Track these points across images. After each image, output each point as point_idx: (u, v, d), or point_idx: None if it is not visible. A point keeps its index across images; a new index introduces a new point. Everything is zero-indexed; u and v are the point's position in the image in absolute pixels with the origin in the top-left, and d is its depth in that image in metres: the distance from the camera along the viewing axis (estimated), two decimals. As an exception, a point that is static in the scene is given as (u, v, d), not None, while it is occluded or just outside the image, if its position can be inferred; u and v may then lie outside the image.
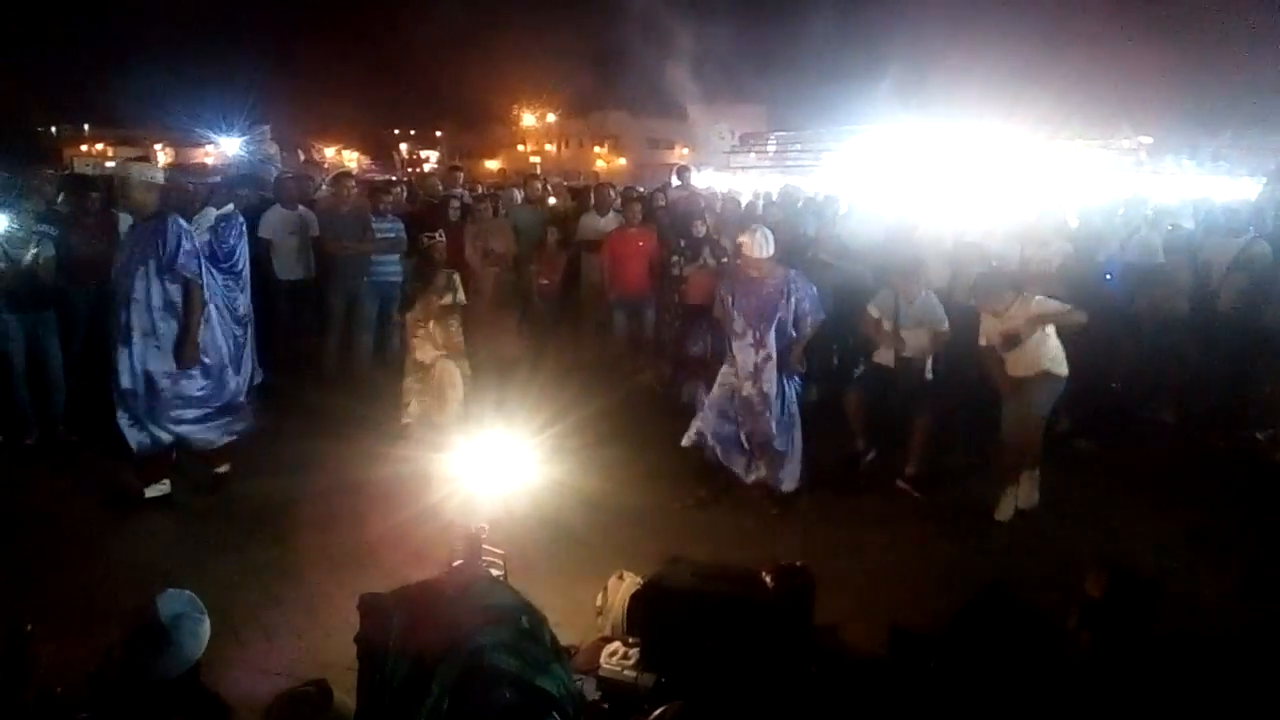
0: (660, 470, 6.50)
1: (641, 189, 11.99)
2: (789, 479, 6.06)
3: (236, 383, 6.11)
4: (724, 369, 6.19)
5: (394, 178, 22.79)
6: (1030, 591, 3.66)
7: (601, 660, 3.95)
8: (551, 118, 58.20)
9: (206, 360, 5.85)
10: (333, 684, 3.10)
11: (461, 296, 7.00)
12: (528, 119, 58.67)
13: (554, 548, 5.13)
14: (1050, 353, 5.94)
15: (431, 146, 61.05)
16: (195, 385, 5.83)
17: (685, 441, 6.24)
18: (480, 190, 11.72)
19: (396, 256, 8.58)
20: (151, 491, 5.83)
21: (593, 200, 9.88)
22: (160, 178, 5.84)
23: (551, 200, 11.41)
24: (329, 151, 50.30)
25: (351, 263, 8.48)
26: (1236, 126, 18.90)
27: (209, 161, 23.43)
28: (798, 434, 6.09)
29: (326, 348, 8.68)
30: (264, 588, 4.76)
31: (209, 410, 5.93)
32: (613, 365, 9.07)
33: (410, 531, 4.96)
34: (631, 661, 3.93)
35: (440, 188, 10.62)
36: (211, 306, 5.97)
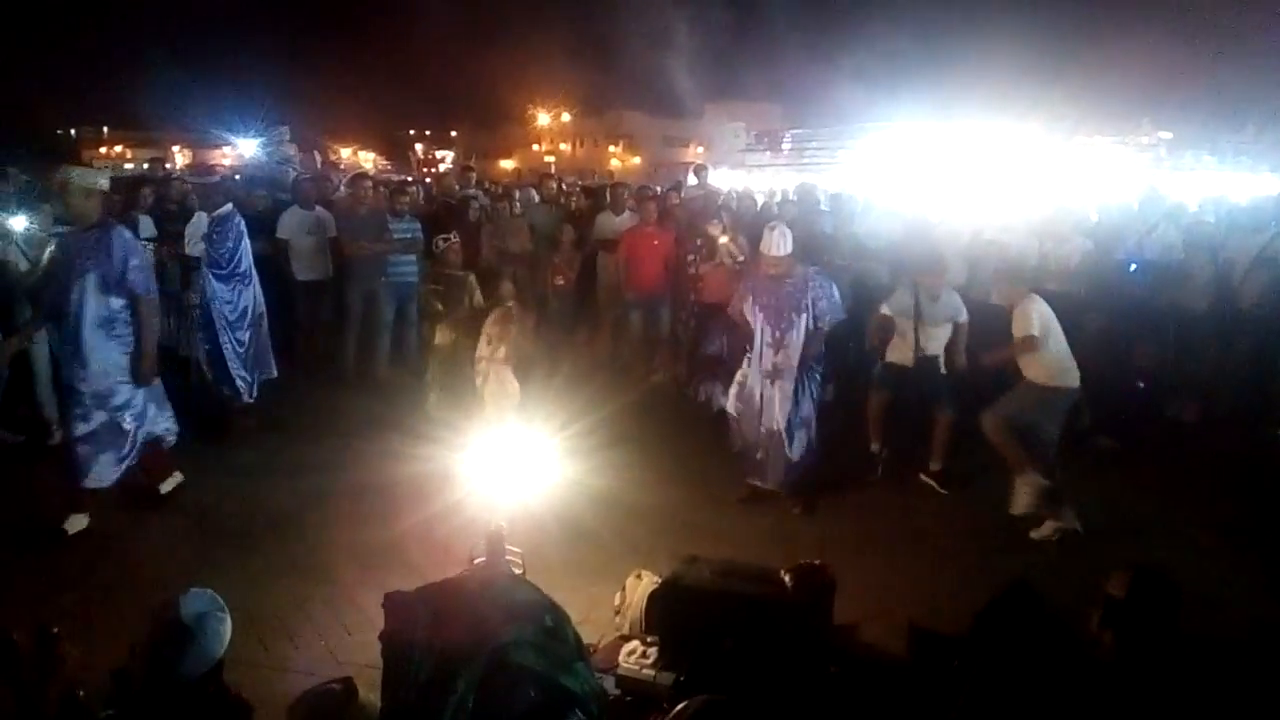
0: (677, 469, 6.50)
1: (659, 188, 12.00)
2: (800, 478, 6.04)
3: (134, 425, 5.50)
4: (742, 369, 6.18)
5: (409, 178, 22.91)
6: (1050, 591, 3.64)
7: (620, 659, 3.95)
8: (566, 117, 58.25)
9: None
10: (356, 682, 3.13)
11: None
12: (542, 118, 58.74)
13: (572, 547, 5.14)
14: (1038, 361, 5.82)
15: (447, 146, 61.24)
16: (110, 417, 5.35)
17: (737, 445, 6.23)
18: (499, 189, 11.74)
19: (413, 256, 8.62)
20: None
21: (608, 199, 9.89)
22: (104, 183, 5.43)
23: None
24: (345, 152, 50.52)
25: (369, 263, 8.52)
26: (1258, 121, 18.72)
27: (226, 163, 23.62)
28: (812, 435, 6.04)
29: (344, 347, 8.72)
30: (286, 587, 4.78)
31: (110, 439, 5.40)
32: (629, 365, 9.08)
33: (430, 530, 4.99)
34: (650, 660, 3.93)
35: (457, 187, 10.65)
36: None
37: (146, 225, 7.97)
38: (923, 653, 3.87)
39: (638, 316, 8.91)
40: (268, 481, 6.19)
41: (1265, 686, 3.20)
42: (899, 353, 6.60)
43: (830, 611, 4.05)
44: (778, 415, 5.96)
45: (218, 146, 34.00)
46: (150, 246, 7.72)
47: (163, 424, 5.71)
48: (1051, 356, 5.81)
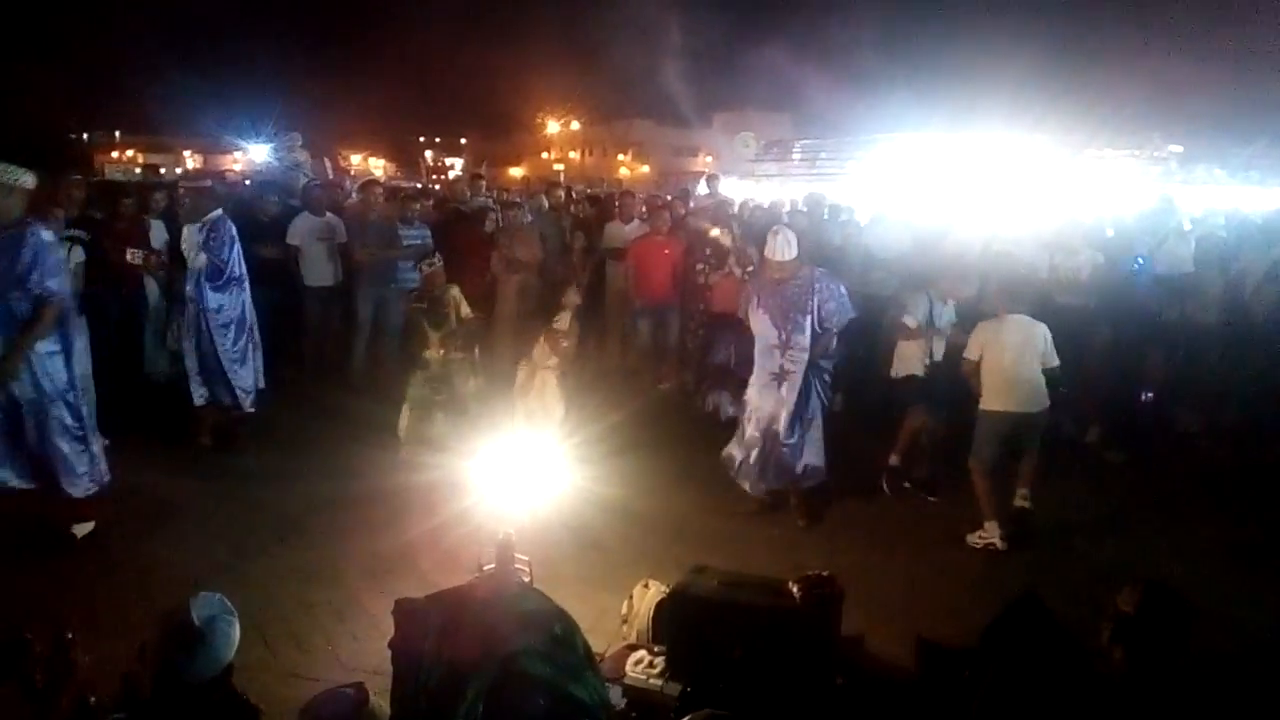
0: (685, 478, 6.50)
1: (669, 196, 12.02)
2: (807, 487, 6.01)
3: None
4: (752, 377, 6.16)
5: (420, 185, 22.97)
6: (1058, 605, 3.63)
7: (627, 668, 3.95)
8: (575, 125, 58.38)
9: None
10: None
11: (466, 310, 7.03)
12: (552, 126, 58.90)
13: (579, 555, 5.14)
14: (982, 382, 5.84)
15: (456, 154, 61.44)
16: None
17: (723, 457, 6.21)
18: (509, 197, 11.78)
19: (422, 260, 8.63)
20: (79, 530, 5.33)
21: (616, 208, 9.91)
22: (29, 182, 5.09)
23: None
24: (355, 159, 50.72)
25: (378, 269, 8.55)
26: (1270, 135, 18.65)
27: (237, 167, 23.71)
28: (819, 440, 5.99)
29: (354, 353, 8.74)
30: (293, 593, 4.78)
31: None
32: (637, 373, 9.08)
33: (439, 538, 4.99)
34: (657, 670, 3.93)
35: (469, 194, 10.68)
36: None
37: (159, 230, 7.98)
38: (931, 665, 3.86)
39: (646, 325, 8.91)
40: (275, 487, 6.20)
41: (1275, 703, 3.18)
42: (912, 364, 6.56)
43: (838, 622, 4.04)
44: (782, 416, 5.93)
45: (229, 152, 34.17)
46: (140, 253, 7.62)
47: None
48: (988, 378, 5.77)
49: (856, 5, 50.65)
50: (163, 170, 15.57)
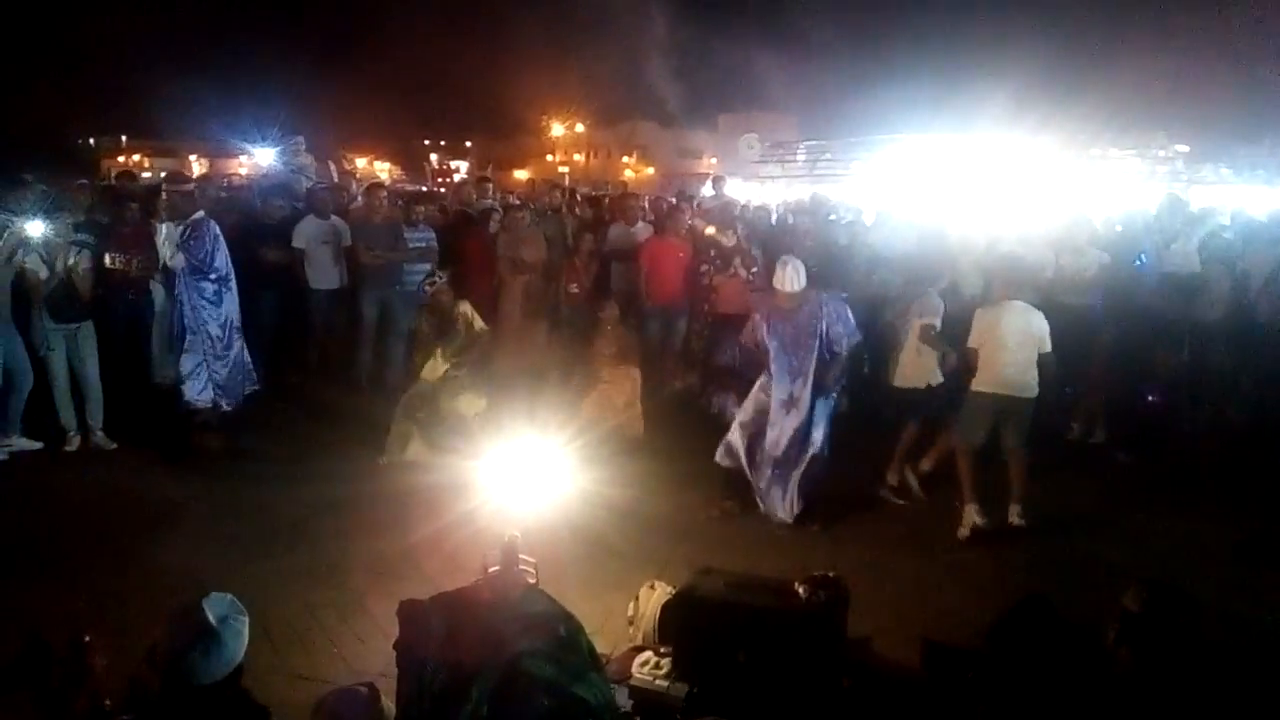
0: (691, 480, 6.49)
1: (674, 199, 12.03)
2: (801, 503, 5.96)
3: None
4: (756, 390, 6.14)
5: (424, 188, 22.99)
6: (1064, 605, 3.62)
7: (633, 670, 3.95)
8: (580, 128, 58.37)
9: None
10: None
11: (479, 325, 7.06)
12: (557, 129, 58.89)
13: (585, 557, 5.13)
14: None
15: (461, 157, 61.45)
16: None
17: (718, 458, 6.20)
18: (515, 200, 11.78)
19: (428, 265, 8.64)
20: None
21: (619, 210, 9.91)
22: None
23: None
24: (361, 162, 50.81)
25: (384, 272, 8.56)
26: (1276, 135, 18.61)
27: (243, 171, 23.78)
28: (822, 461, 5.96)
29: (359, 355, 8.76)
30: (299, 594, 4.79)
31: None
32: (644, 375, 9.06)
33: (443, 539, 4.99)
34: (663, 671, 3.92)
35: (474, 196, 10.69)
36: None
37: (171, 234, 7.99)
38: (937, 666, 3.85)
39: (655, 326, 8.88)
40: (281, 489, 6.21)
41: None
42: (916, 376, 6.43)
43: (844, 624, 4.04)
44: (786, 445, 5.92)
45: (235, 156, 34.26)
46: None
47: None
48: (984, 361, 5.87)
49: (860, 7, 50.69)
50: (145, 174, 15.42)
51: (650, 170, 48.89)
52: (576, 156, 58.52)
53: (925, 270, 6.81)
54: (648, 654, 4.05)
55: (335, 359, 8.93)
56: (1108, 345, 7.55)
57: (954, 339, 6.23)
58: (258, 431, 7.32)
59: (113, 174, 13.24)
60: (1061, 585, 4.85)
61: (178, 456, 6.75)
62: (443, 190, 18.84)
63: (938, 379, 6.35)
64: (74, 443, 6.99)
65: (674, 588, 4.22)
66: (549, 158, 58.46)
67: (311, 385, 8.61)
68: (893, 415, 6.69)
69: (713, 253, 8.48)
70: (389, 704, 2.93)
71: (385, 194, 9.61)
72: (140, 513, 5.85)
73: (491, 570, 3.28)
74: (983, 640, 3.19)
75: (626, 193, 11.58)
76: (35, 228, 6.62)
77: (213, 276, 6.88)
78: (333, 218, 8.83)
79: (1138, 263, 8.06)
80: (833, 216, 10.52)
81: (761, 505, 6.04)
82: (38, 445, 6.89)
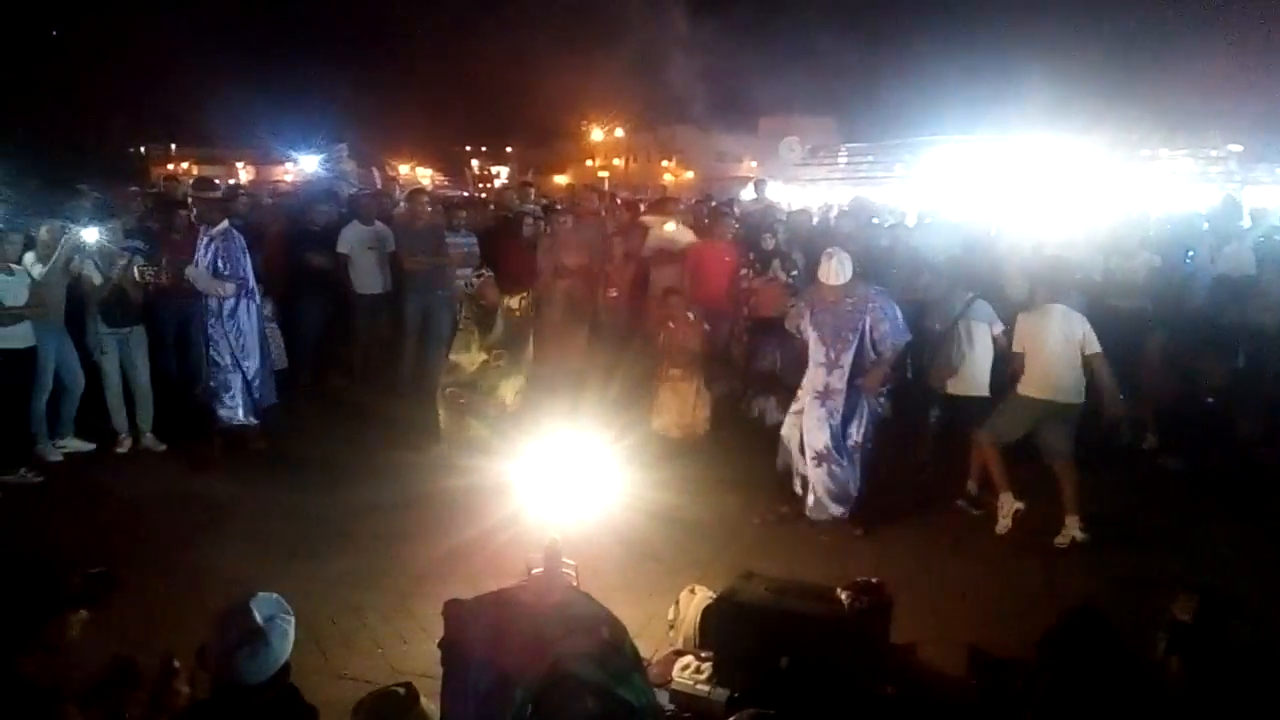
0: (733, 484, 6.46)
1: (715, 202, 12.00)
2: (846, 506, 5.91)
3: None
4: (799, 392, 6.09)
5: (466, 193, 23.17)
6: (1114, 615, 3.55)
7: (674, 673, 3.94)
8: (619, 133, 58.52)
9: None
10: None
11: (523, 307, 7.12)
12: (596, 134, 59.09)
13: (626, 560, 5.13)
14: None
15: (502, 162, 61.85)
16: None
17: (779, 467, 6.15)
18: (555, 204, 11.82)
19: (470, 270, 8.70)
20: None
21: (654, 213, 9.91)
22: None
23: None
24: (403, 168, 51.38)
25: (426, 276, 8.64)
26: (1333, 132, 18.13)
27: (288, 178, 24.12)
28: (862, 463, 5.89)
29: (402, 359, 8.84)
30: (342, 596, 4.84)
31: None
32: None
33: (485, 542, 5.02)
34: (704, 676, 3.91)
35: (516, 201, 10.76)
36: None
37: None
38: (984, 675, 3.79)
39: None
40: (325, 493, 6.29)
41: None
42: (976, 383, 6.44)
43: (888, 631, 3.99)
44: (824, 438, 5.86)
45: (280, 163, 34.81)
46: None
47: None
48: (1030, 367, 5.83)
49: (904, 7, 50.21)
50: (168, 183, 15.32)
51: (689, 174, 48.84)
52: (616, 161, 58.65)
53: (969, 274, 6.75)
54: (689, 658, 4.03)
55: (378, 363, 9.02)
56: (1158, 349, 7.40)
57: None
58: (303, 435, 7.42)
59: (162, 181, 13.48)
60: (1110, 593, 4.76)
61: (216, 462, 6.83)
62: (484, 195, 18.98)
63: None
64: (125, 444, 7.15)
65: (715, 592, 4.20)
66: (588, 162, 58.66)
67: (355, 389, 8.71)
68: (950, 422, 6.67)
69: (751, 256, 8.43)
70: (429, 704, 2.95)
71: (427, 199, 9.70)
72: (188, 514, 5.96)
73: (534, 572, 3.29)
74: (1033, 650, 3.12)
75: (666, 196, 11.55)
76: (90, 234, 6.78)
77: (242, 287, 6.87)
78: (376, 223, 8.93)
79: (1187, 259, 7.89)
80: (875, 220, 10.43)
81: (808, 505, 5.99)
82: (90, 446, 7.06)
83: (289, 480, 6.52)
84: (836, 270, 5.81)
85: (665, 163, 53.39)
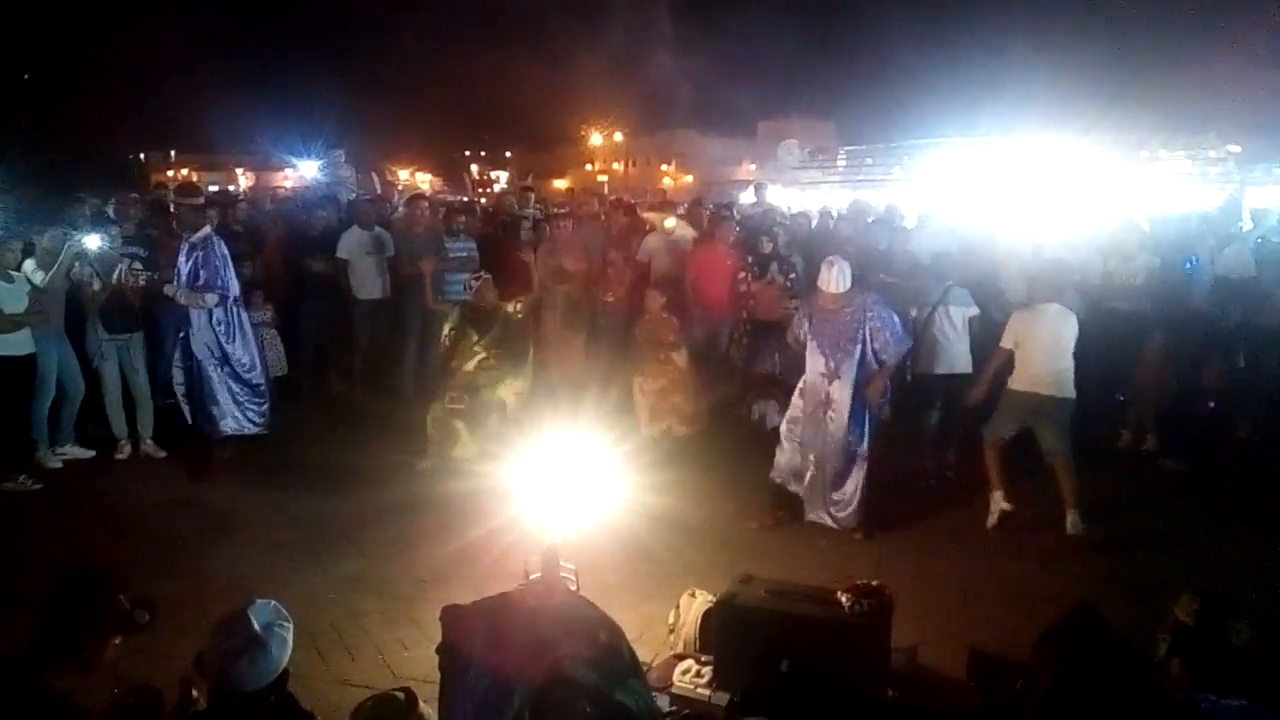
0: (732, 488, 6.46)
1: (713, 206, 12.00)
2: (848, 513, 5.89)
3: None
4: (795, 398, 6.09)
5: (465, 198, 23.21)
6: (1114, 616, 3.54)
7: (674, 677, 3.94)
8: (619, 137, 58.58)
9: None
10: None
11: (518, 310, 7.14)
12: (595, 138, 59.16)
13: (625, 564, 5.13)
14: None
15: (501, 167, 61.93)
16: None
17: (773, 474, 6.15)
18: (555, 208, 11.84)
19: (469, 275, 8.70)
20: None
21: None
22: None
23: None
24: (403, 174, 51.43)
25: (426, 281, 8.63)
26: (1333, 133, 18.12)
27: (288, 184, 24.18)
28: (866, 471, 5.87)
29: (401, 364, 8.84)
30: (343, 601, 4.85)
31: None
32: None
33: (486, 546, 5.00)
34: (704, 679, 3.91)
35: (515, 206, 10.77)
36: None
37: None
38: (984, 677, 3.78)
39: (699, 334, 8.85)
40: (325, 498, 6.29)
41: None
42: (958, 359, 6.77)
43: (888, 633, 3.98)
44: (825, 447, 5.86)
45: (280, 169, 34.86)
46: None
47: None
48: (1021, 363, 5.97)
49: (901, 11, 50.29)
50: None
51: (689, 178, 48.86)
52: (615, 165, 58.74)
53: (953, 267, 6.91)
54: (689, 662, 4.03)
55: (378, 368, 9.03)
56: (1158, 351, 7.40)
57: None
58: (303, 440, 7.42)
59: (154, 188, 13.51)
60: (1111, 594, 4.76)
61: (213, 470, 6.79)
62: (483, 200, 19.01)
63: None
64: (125, 451, 7.16)
65: (715, 596, 4.20)
66: (588, 167, 58.71)
67: (355, 394, 8.72)
68: (947, 415, 6.91)
69: (749, 259, 8.43)
70: (428, 709, 2.95)
71: (426, 205, 9.72)
72: (189, 520, 5.96)
73: (533, 576, 3.29)
74: (1030, 651, 3.12)
75: (664, 200, 11.56)
76: (91, 241, 6.78)
77: (222, 295, 6.77)
78: (376, 229, 8.94)
79: (1188, 265, 7.90)
80: (872, 219, 10.42)
81: (808, 513, 5.98)
82: (90, 453, 7.07)
83: (289, 486, 6.51)
84: (837, 279, 5.80)
85: (665, 167, 53.43)
